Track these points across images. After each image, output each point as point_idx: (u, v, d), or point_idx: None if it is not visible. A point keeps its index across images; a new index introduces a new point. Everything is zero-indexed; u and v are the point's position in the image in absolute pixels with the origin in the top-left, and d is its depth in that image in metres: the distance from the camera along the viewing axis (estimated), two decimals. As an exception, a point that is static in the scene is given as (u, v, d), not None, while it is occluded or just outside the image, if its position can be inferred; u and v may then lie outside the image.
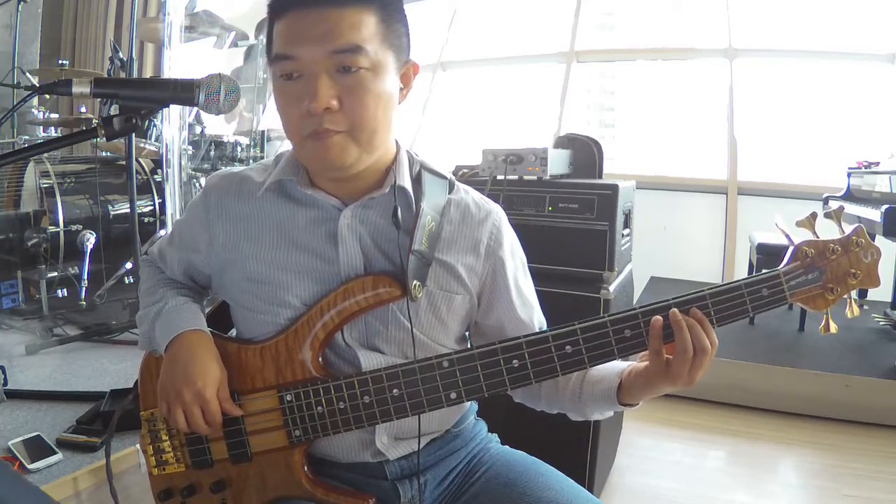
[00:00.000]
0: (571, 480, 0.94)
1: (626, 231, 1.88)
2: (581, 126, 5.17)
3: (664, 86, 5.08)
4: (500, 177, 1.83)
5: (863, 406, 2.47)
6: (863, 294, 3.26)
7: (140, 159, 3.08)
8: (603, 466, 1.87)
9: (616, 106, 6.27)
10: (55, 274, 2.64)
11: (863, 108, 4.32)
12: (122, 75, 3.20)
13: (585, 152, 2.02)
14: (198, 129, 3.11)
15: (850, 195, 3.34)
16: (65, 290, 2.68)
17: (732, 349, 2.74)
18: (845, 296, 0.85)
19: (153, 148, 3.27)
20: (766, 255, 3.13)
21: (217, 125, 3.40)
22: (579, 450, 1.69)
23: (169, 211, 2.57)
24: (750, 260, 3.46)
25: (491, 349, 0.84)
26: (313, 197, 0.91)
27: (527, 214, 1.80)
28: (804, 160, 4.38)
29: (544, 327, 0.99)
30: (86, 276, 2.61)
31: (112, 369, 2.16)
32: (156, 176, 3.10)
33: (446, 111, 5.24)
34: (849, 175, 3.38)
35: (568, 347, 0.83)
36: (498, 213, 0.98)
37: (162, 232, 2.94)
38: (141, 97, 0.83)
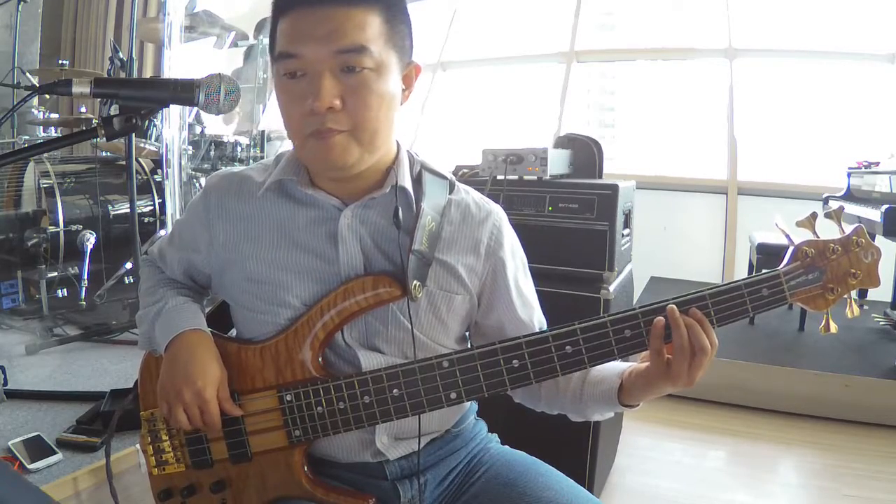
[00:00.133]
0: (571, 480, 0.94)
1: (626, 231, 1.88)
2: (581, 126, 5.17)
3: (664, 86, 5.08)
4: (500, 177, 1.83)
5: (863, 406, 2.47)
6: (863, 294, 3.27)
7: (140, 159, 3.08)
8: (603, 466, 1.87)
9: (616, 106, 6.27)
10: (55, 274, 2.64)
11: (863, 108, 4.32)
12: (122, 75, 3.20)
13: (585, 152, 2.02)
14: (198, 129, 3.10)
15: (850, 195, 3.34)
16: (65, 290, 2.68)
17: (732, 349, 2.74)
18: (845, 296, 0.85)
19: (153, 148, 3.27)
20: (766, 255, 3.13)
21: (217, 125, 3.40)
22: (579, 450, 1.69)
23: (169, 211, 2.58)
24: (750, 260, 3.46)
25: (491, 349, 0.84)
26: (314, 197, 0.91)
27: (527, 214, 1.80)
28: (804, 160, 4.38)
29: (544, 327, 0.99)
30: (86, 276, 2.61)
31: (112, 369, 2.16)
32: (156, 176, 3.10)
33: (446, 111, 5.24)
34: (849, 175, 3.38)
35: (568, 347, 0.83)
36: (498, 213, 0.98)
37: (162, 232, 2.94)
38: (141, 97, 0.83)
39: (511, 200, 1.79)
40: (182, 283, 1.03)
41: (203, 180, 2.76)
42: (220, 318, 1.01)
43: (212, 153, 3.13)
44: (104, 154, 3.35)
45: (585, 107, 5.88)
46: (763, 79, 4.55)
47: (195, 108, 1.23)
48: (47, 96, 3.79)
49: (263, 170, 0.96)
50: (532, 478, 0.93)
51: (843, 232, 0.85)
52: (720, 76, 4.45)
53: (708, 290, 0.82)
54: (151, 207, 3.07)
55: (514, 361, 0.83)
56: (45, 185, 2.73)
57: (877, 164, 3.12)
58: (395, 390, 0.85)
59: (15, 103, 3.63)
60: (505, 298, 0.96)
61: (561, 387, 0.94)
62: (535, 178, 1.83)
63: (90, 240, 2.63)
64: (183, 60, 2.59)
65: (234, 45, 3.73)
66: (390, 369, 0.85)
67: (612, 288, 1.71)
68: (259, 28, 3.64)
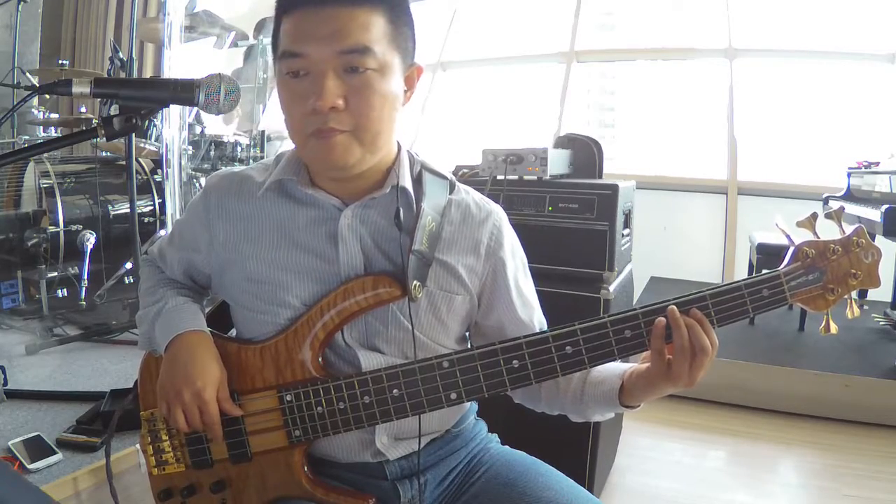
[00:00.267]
0: (571, 480, 0.94)
1: (626, 231, 1.88)
2: (581, 126, 5.17)
3: (664, 86, 5.08)
4: (500, 177, 1.83)
5: (863, 406, 2.47)
6: (863, 294, 3.26)
7: (140, 159, 3.08)
8: (603, 466, 1.87)
9: (616, 106, 6.27)
10: (55, 274, 2.64)
11: (863, 108, 4.32)
12: (122, 75, 3.20)
13: (585, 152, 2.01)
14: (198, 129, 3.10)
15: (850, 195, 3.34)
16: (65, 290, 2.68)
17: (732, 349, 2.74)
18: (846, 296, 0.85)
19: (153, 148, 3.27)
20: (766, 255, 3.13)
21: (217, 125, 3.40)
22: (579, 450, 1.69)
23: (169, 211, 2.58)
24: (750, 260, 3.46)
25: (491, 349, 0.84)
26: (314, 196, 0.90)
27: (527, 214, 1.80)
28: (804, 160, 4.38)
29: (545, 328, 0.99)
30: (86, 276, 2.61)
31: (112, 369, 2.16)
32: (156, 176, 3.10)
33: (446, 111, 5.24)
34: (849, 175, 3.38)
35: (568, 348, 0.83)
36: (498, 213, 0.98)
37: (162, 232, 2.94)
38: (141, 97, 0.83)
39: (511, 200, 1.79)
40: (182, 283, 1.03)
41: (203, 180, 2.76)
42: (220, 318, 1.01)
43: (212, 153, 3.13)
44: (104, 154, 3.35)
45: (585, 107, 5.89)
46: (763, 79, 4.55)
47: (195, 108, 1.23)
48: (47, 96, 3.79)
49: (263, 170, 0.96)
50: (532, 478, 0.93)
51: (844, 232, 0.85)
52: (720, 76, 4.45)
53: (708, 290, 0.82)
54: (151, 207, 3.07)
55: (515, 362, 0.83)
56: (45, 185, 2.73)
57: (877, 164, 3.12)
58: (395, 390, 0.85)
59: (15, 103, 3.63)
60: (505, 299, 0.96)
61: (561, 387, 0.94)
62: (535, 178, 1.83)
63: (90, 240, 2.63)
64: (183, 60, 2.59)
65: (234, 45, 3.73)
66: (390, 369, 0.85)
67: (612, 288, 1.71)
68: (259, 28, 3.64)
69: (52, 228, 2.64)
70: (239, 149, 3.22)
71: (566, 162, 1.96)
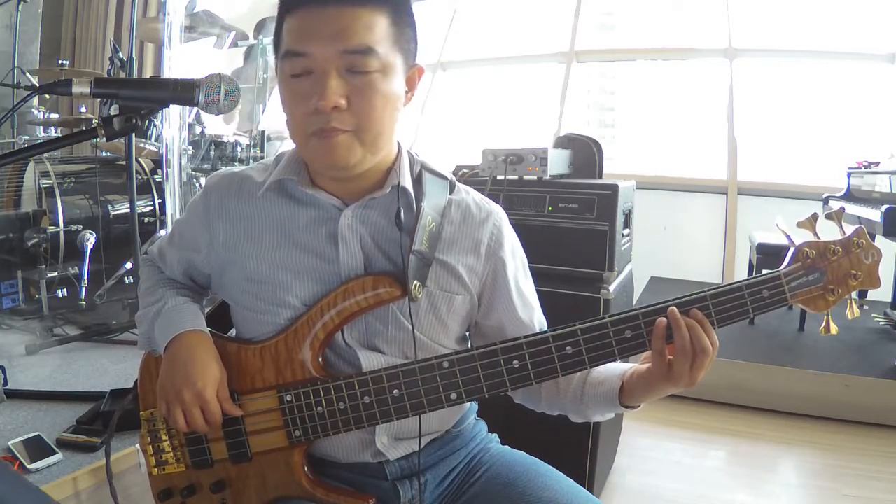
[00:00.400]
0: (571, 480, 0.94)
1: (626, 231, 1.88)
2: (581, 126, 5.17)
3: (664, 86, 5.08)
4: (500, 177, 1.83)
5: (863, 406, 2.47)
6: (863, 294, 3.26)
7: (140, 159, 3.08)
8: (603, 466, 1.87)
9: (616, 106, 6.27)
10: (55, 274, 2.64)
11: (863, 108, 4.32)
12: (122, 75, 3.20)
13: (585, 152, 2.01)
14: (198, 129, 3.10)
15: (850, 195, 3.34)
16: (65, 290, 2.68)
17: (732, 349, 2.74)
18: (846, 297, 0.85)
19: (153, 148, 3.27)
20: (766, 255, 3.13)
21: (217, 125, 3.40)
22: (579, 450, 1.69)
23: (169, 211, 2.57)
24: (750, 260, 3.46)
25: (491, 350, 0.84)
26: (314, 196, 0.90)
27: (527, 214, 1.80)
28: (804, 160, 4.38)
29: (545, 328, 0.99)
30: (86, 276, 2.61)
31: (112, 369, 2.16)
32: (156, 176, 3.10)
33: (446, 111, 5.24)
34: (849, 175, 3.38)
35: (568, 348, 0.83)
36: (499, 213, 0.98)
37: (162, 232, 2.94)
38: (141, 97, 0.83)
39: (511, 200, 1.79)
40: (181, 283, 1.03)
41: (203, 180, 2.76)
42: (219, 318, 1.01)
43: (212, 153, 3.13)
44: (104, 154, 3.34)
45: (585, 107, 5.88)
46: (763, 79, 4.55)
47: (195, 108, 1.23)
48: (47, 96, 3.79)
49: (263, 169, 0.96)
50: (532, 478, 0.93)
51: (844, 233, 0.85)
52: (720, 76, 4.46)
53: (709, 290, 0.82)
54: (151, 207, 3.07)
55: (515, 362, 0.83)
56: (45, 185, 2.73)
57: (877, 164, 3.12)
58: (395, 391, 0.85)
59: (15, 103, 3.63)
60: (505, 299, 0.96)
61: (561, 388, 0.94)
62: (535, 178, 1.83)
63: (90, 240, 2.62)
64: (183, 60, 2.59)
65: (234, 45, 3.73)
66: (390, 370, 0.85)
67: (612, 288, 1.71)
68: (259, 28, 3.64)
69: (52, 228, 2.64)
70: (239, 149, 3.22)
71: (566, 162, 1.96)
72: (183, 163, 2.64)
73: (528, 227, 1.72)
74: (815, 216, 0.85)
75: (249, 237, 0.92)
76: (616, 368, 0.90)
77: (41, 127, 3.49)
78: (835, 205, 3.28)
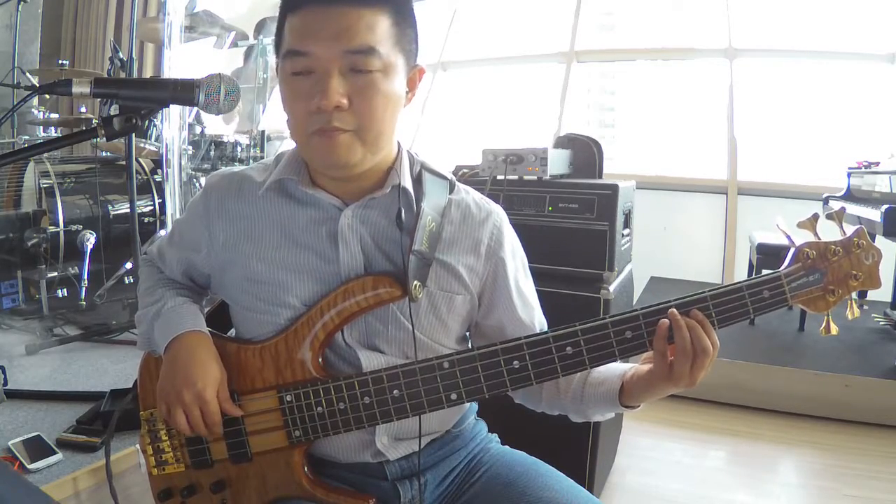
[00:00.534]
0: (571, 480, 0.94)
1: (626, 231, 1.88)
2: (581, 126, 5.17)
3: (664, 86, 5.08)
4: (500, 177, 1.83)
5: (863, 406, 2.47)
6: (863, 294, 3.26)
7: (140, 159, 3.08)
8: (603, 466, 1.87)
9: (616, 106, 6.27)
10: (55, 274, 2.64)
11: (863, 108, 4.32)
12: (122, 75, 3.20)
13: (585, 152, 2.01)
14: (198, 129, 3.10)
15: (850, 195, 3.34)
16: (65, 290, 2.68)
17: (732, 349, 2.74)
18: (846, 297, 0.85)
19: (153, 148, 3.27)
20: (766, 255, 3.13)
21: (217, 125, 3.40)
22: (579, 450, 1.69)
23: (169, 211, 2.57)
24: (750, 260, 3.46)
25: (491, 350, 0.84)
26: (314, 196, 0.90)
27: (527, 214, 1.80)
28: (804, 160, 4.38)
29: (545, 328, 0.99)
30: (86, 276, 2.61)
31: (112, 369, 2.16)
32: (156, 176, 3.10)
33: (446, 111, 5.24)
34: (849, 175, 3.38)
35: (569, 348, 0.82)
36: (499, 213, 0.98)
37: (162, 232, 2.94)
38: (141, 97, 0.83)
39: (511, 200, 1.79)
40: (181, 284, 1.03)
41: (203, 180, 2.76)
42: (219, 318, 1.00)
43: (212, 153, 3.13)
44: (104, 154, 3.35)
45: (585, 107, 5.89)
46: (763, 79, 4.55)
47: (195, 108, 1.23)
48: (47, 96, 3.79)
49: (263, 169, 0.96)
50: (532, 478, 0.93)
51: (845, 233, 0.85)
52: (720, 76, 4.45)
53: (709, 291, 0.82)
54: (151, 207, 3.07)
55: (515, 362, 0.83)
56: (45, 185, 2.73)
57: (877, 164, 3.12)
58: (395, 391, 0.85)
59: (15, 103, 3.63)
60: (505, 299, 0.96)
61: (562, 388, 0.94)
62: (535, 178, 1.83)
63: (90, 240, 2.62)
64: (183, 60, 2.59)
65: (234, 45, 3.72)
66: (390, 370, 0.85)
67: (612, 288, 1.71)
68: (259, 28, 3.64)
69: (52, 228, 2.64)
70: (239, 149, 3.22)
71: (566, 162, 1.96)
72: (183, 163, 2.64)
73: (528, 227, 1.72)
74: (815, 216, 0.85)
75: (249, 237, 0.92)
76: (616, 368, 0.90)
77: (41, 127, 3.49)
78: (835, 205, 3.28)
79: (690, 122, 5.02)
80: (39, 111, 3.54)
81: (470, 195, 0.98)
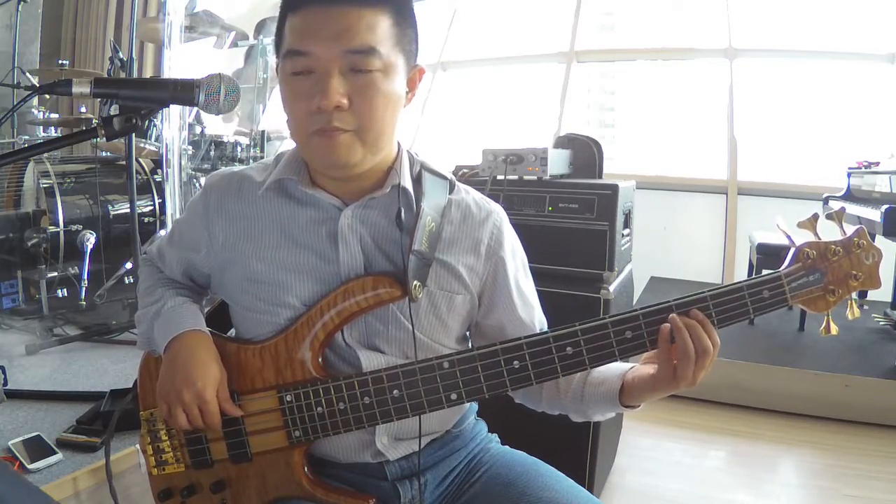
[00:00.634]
0: (571, 480, 0.94)
1: (626, 231, 1.88)
2: (581, 126, 5.17)
3: (664, 86, 5.08)
4: (500, 177, 1.83)
5: (863, 406, 2.47)
6: (863, 294, 3.26)
7: (140, 159, 3.08)
8: (603, 466, 1.87)
9: (616, 106, 6.27)
10: (55, 274, 2.64)
11: (863, 108, 4.32)
12: (122, 75, 3.20)
13: (585, 152, 2.01)
14: (198, 129, 3.10)
15: (850, 195, 3.34)
16: (65, 290, 2.68)
17: (732, 349, 2.74)
18: (846, 297, 0.85)
19: (153, 148, 3.27)
20: (766, 255, 3.13)
21: (217, 125, 3.40)
22: (579, 450, 1.69)
23: (169, 211, 2.57)
24: (750, 260, 3.46)
25: (491, 350, 0.84)
26: (314, 196, 0.90)
27: (527, 214, 1.80)
28: (804, 160, 4.38)
29: (545, 328, 0.99)
30: (86, 276, 2.61)
31: (112, 369, 2.16)
32: (156, 176, 3.09)
33: (446, 111, 5.24)
34: (849, 175, 3.38)
35: (569, 349, 0.82)
36: (499, 213, 0.98)
37: (162, 232, 2.94)
38: (141, 97, 0.83)
39: (511, 200, 1.79)
40: (181, 283, 1.03)
41: (203, 180, 2.76)
42: (219, 318, 1.00)
43: (212, 153, 3.13)
44: (104, 154, 3.35)
45: (585, 107, 5.89)
46: (763, 79, 4.55)
47: (195, 108, 1.23)
48: (47, 96, 3.79)
49: (263, 169, 0.96)
50: (532, 478, 0.93)
51: (845, 233, 0.85)
52: (720, 76, 4.45)
53: (709, 291, 0.82)
54: (151, 207, 3.07)
55: (515, 362, 0.83)
56: (45, 185, 2.73)
57: (877, 164, 3.12)
58: (395, 391, 0.85)
59: (15, 103, 3.63)
60: (505, 298, 0.96)
61: (562, 388, 0.94)
62: (535, 178, 1.83)
63: (90, 240, 2.62)
64: (183, 60, 2.59)
65: (234, 45, 3.73)
66: (390, 370, 0.85)
67: (612, 288, 1.71)
68: (259, 28, 3.64)
69: (52, 228, 2.64)
70: (239, 149, 3.22)
71: (566, 162, 1.96)
72: (183, 163, 2.64)
73: (528, 227, 1.72)
74: (815, 216, 0.85)
75: (249, 237, 0.92)
76: (616, 368, 0.90)
77: (41, 127, 3.49)
78: (835, 205, 3.29)
79: (690, 122, 5.02)
80: (39, 111, 3.54)
81: (470, 195, 0.98)
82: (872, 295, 3.29)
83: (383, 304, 0.87)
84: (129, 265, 2.72)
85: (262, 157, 3.24)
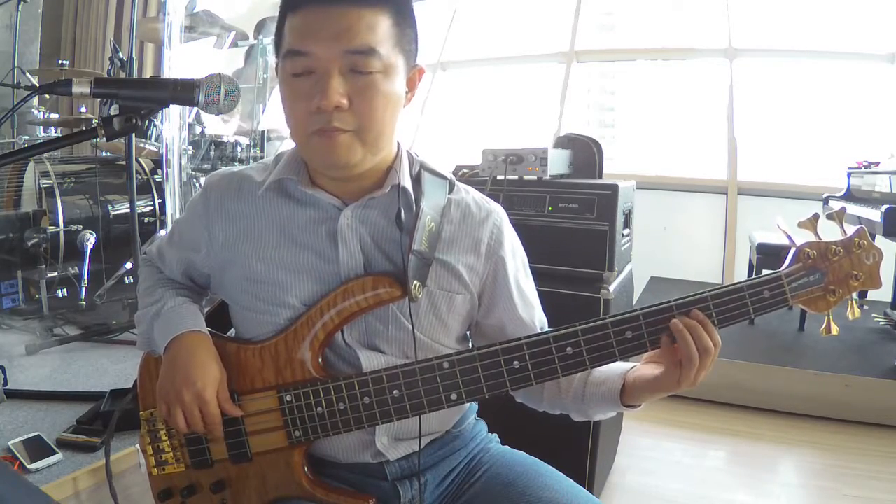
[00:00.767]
0: (571, 480, 0.94)
1: (626, 231, 1.88)
2: (581, 126, 5.17)
3: (664, 86, 5.08)
4: (500, 177, 1.83)
5: (863, 406, 2.47)
6: (863, 294, 3.26)
7: (140, 159, 3.08)
8: (603, 466, 1.87)
9: (616, 106, 6.27)
10: (55, 274, 2.64)
11: (863, 108, 4.32)
12: (122, 75, 3.20)
13: (585, 152, 2.01)
14: (198, 129, 3.10)
15: (850, 195, 3.34)
16: (65, 290, 2.68)
17: (732, 349, 2.74)
18: (847, 297, 0.85)
19: (153, 148, 3.27)
20: (766, 255, 3.13)
21: (217, 125, 3.40)
22: (579, 450, 1.69)
23: (169, 211, 2.57)
24: (750, 260, 3.46)
25: (492, 350, 0.84)
26: (314, 196, 0.90)
27: (527, 214, 1.80)
28: (804, 160, 4.38)
29: (545, 327, 0.99)
30: (86, 276, 2.61)
31: (112, 369, 2.16)
32: (156, 176, 3.10)
33: (446, 111, 5.24)
34: (849, 175, 3.38)
35: (569, 349, 0.82)
36: (499, 212, 0.98)
37: (162, 232, 2.94)
38: (141, 97, 0.83)
39: (511, 200, 1.79)
40: (181, 284, 1.03)
41: (203, 180, 2.75)
42: (219, 318, 1.00)
43: (212, 153, 3.13)
44: (104, 154, 3.35)
45: (585, 107, 5.89)
46: (763, 79, 4.55)
47: (195, 108, 1.23)
48: (47, 96, 3.79)
49: (263, 169, 0.96)
50: (532, 478, 0.93)
51: (845, 233, 0.85)
52: (720, 76, 4.45)
53: (710, 291, 0.82)
54: (151, 207, 3.07)
55: (515, 363, 0.83)
56: (45, 185, 2.73)
57: (877, 164, 3.12)
58: (395, 391, 0.85)
59: (15, 103, 3.63)
60: (506, 298, 0.96)
61: (563, 387, 0.94)
62: (535, 178, 1.83)
63: (90, 240, 2.62)
64: (183, 60, 2.59)
65: (234, 45, 3.72)
66: (390, 370, 0.85)
67: (612, 288, 1.71)
68: (259, 28, 3.64)
69: (52, 228, 2.64)
70: (239, 149, 3.22)
71: (566, 162, 1.96)
72: (183, 163, 2.64)
73: (528, 227, 1.72)
74: (816, 216, 0.85)
75: (249, 237, 0.92)
76: (617, 368, 0.90)
77: (41, 127, 3.49)
78: (835, 205, 3.29)
79: (690, 122, 5.02)
80: (39, 111, 3.54)
81: (470, 194, 0.98)
82: (872, 295, 3.29)
83: (383, 304, 0.87)
84: (129, 265, 2.72)
85: (262, 157, 3.24)
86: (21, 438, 1.53)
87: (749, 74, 4.46)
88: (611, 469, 2.09)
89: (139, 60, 4.86)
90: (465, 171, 1.97)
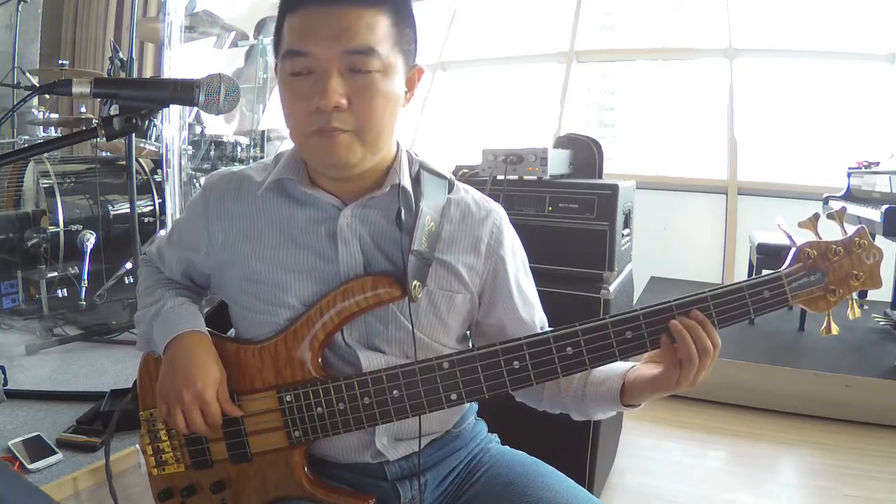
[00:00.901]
0: (571, 480, 0.94)
1: (626, 231, 1.88)
2: (581, 126, 5.17)
3: (664, 86, 5.08)
4: (500, 177, 1.83)
5: (863, 406, 2.47)
6: (863, 294, 3.26)
7: (140, 159, 3.08)
8: (603, 466, 1.87)
9: (616, 106, 6.27)
10: (55, 274, 2.64)
11: (863, 108, 4.32)
12: (122, 75, 3.20)
13: (585, 152, 2.01)
14: (198, 129, 3.10)
15: (851, 195, 3.34)
16: (65, 290, 2.68)
17: (732, 349, 2.74)
18: (847, 297, 0.85)
19: (153, 148, 3.27)
20: (767, 255, 3.13)
21: (217, 125, 3.40)
22: (579, 450, 1.69)
23: (169, 211, 2.58)
24: (750, 260, 3.46)
25: (491, 350, 0.84)
26: (313, 196, 0.90)
27: (527, 214, 1.80)
28: (804, 160, 4.38)
29: (546, 327, 0.99)
30: (86, 276, 2.61)
31: (112, 369, 2.16)
32: (156, 176, 3.09)
33: (446, 111, 5.24)
34: (849, 175, 3.38)
35: (569, 349, 0.82)
36: (499, 212, 0.98)
37: (162, 232, 2.94)
38: (141, 97, 0.83)
39: (511, 200, 1.79)
40: (180, 284, 1.03)
41: (203, 180, 2.75)
42: (219, 318, 1.00)
43: (212, 153, 3.13)
44: (104, 154, 3.35)
45: (585, 107, 5.89)
46: (763, 79, 4.55)
47: (195, 108, 1.23)
48: (47, 96, 3.80)
49: (263, 169, 0.96)
50: (532, 478, 0.93)
51: (846, 233, 0.85)
52: (720, 76, 4.45)
53: (710, 291, 0.82)
54: (151, 207, 3.07)
55: (515, 363, 0.83)
56: (45, 185, 2.73)
57: (877, 164, 3.12)
58: (395, 391, 0.84)
59: (15, 103, 3.63)
60: (506, 297, 0.96)
61: (563, 387, 0.94)
62: (535, 178, 1.83)
63: (90, 240, 2.62)
64: (183, 60, 2.59)
65: (234, 45, 3.73)
66: (390, 370, 0.85)
67: (612, 288, 1.71)
68: (259, 28, 3.64)
69: (52, 228, 2.64)
70: (239, 149, 3.22)
71: (566, 162, 1.96)
72: (183, 163, 2.64)
73: (528, 227, 1.71)
74: (816, 216, 0.85)
75: (248, 237, 0.92)
76: (617, 367, 0.90)
77: (41, 127, 3.49)
78: (835, 205, 3.29)
79: (690, 122, 5.02)
80: (39, 111, 3.54)
81: (469, 194, 0.98)
82: (872, 295, 3.29)
83: (383, 304, 0.87)
84: (129, 265, 2.72)
85: (262, 157, 3.24)
86: (21, 438, 1.53)
87: (749, 74, 4.46)
88: (611, 469, 2.09)
89: (139, 60, 4.86)
90: (465, 171, 1.97)
